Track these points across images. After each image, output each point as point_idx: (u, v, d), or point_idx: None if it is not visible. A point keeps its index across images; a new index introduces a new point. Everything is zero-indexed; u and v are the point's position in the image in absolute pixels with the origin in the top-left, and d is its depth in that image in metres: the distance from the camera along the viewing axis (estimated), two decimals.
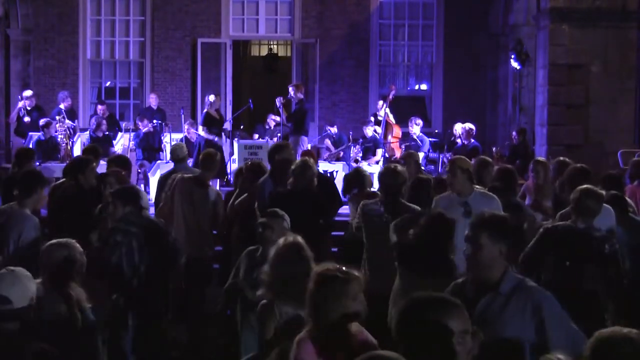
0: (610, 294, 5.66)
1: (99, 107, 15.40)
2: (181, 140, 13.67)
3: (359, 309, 3.65)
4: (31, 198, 6.20)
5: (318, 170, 8.27)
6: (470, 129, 13.49)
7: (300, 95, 13.27)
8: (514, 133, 14.51)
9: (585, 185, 5.89)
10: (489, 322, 3.68)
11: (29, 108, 14.73)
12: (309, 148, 13.67)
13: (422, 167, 10.68)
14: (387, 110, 14.26)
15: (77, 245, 4.75)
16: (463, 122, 14.20)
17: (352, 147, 14.11)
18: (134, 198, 6.22)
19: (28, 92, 14.97)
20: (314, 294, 3.64)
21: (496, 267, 3.82)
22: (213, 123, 13.44)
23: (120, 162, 8.32)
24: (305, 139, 13.17)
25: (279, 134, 13.93)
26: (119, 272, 5.98)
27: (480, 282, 3.84)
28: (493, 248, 3.82)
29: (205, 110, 13.86)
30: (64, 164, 9.77)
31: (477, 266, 3.83)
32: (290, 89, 13.31)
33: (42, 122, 13.83)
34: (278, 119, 14.36)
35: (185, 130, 14.36)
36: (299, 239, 4.49)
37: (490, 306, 3.76)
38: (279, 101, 13.41)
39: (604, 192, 5.91)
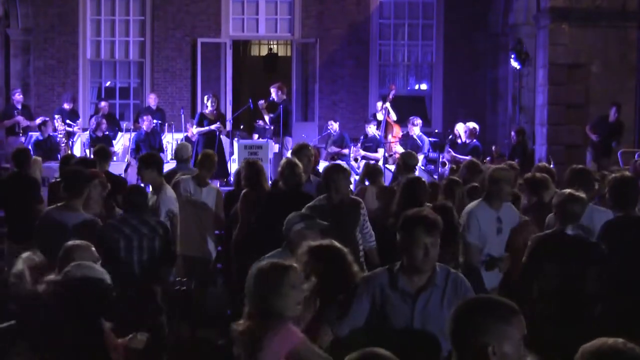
0: (602, 295, 5.63)
1: (102, 103, 15.44)
2: (182, 139, 13.69)
3: (300, 296, 3.72)
4: (80, 198, 6.24)
5: (317, 170, 8.30)
6: (474, 129, 13.49)
7: (283, 96, 13.25)
8: (512, 133, 14.53)
9: (568, 190, 5.86)
10: (433, 316, 3.91)
11: (19, 107, 14.75)
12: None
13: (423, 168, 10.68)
14: (389, 106, 14.25)
15: (93, 247, 4.82)
16: (464, 122, 14.22)
17: (352, 147, 14.12)
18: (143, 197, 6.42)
19: (18, 94, 14.97)
20: (253, 288, 3.71)
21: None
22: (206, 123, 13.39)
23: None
24: (289, 139, 13.17)
25: (268, 134, 13.95)
26: (125, 265, 6.05)
27: (418, 276, 3.99)
28: (438, 245, 4.02)
29: (201, 111, 13.85)
30: None
31: (430, 264, 3.99)
32: (273, 90, 13.26)
33: (38, 121, 13.80)
34: (261, 122, 14.28)
35: (190, 129, 14.39)
36: (335, 243, 4.43)
37: (430, 300, 3.96)
38: (260, 104, 13.39)
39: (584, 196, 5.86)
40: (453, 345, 2.89)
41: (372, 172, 8.55)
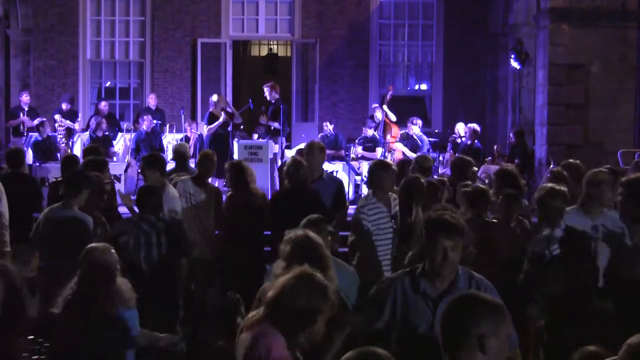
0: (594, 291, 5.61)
1: (102, 103, 15.46)
2: (182, 139, 13.67)
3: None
4: (77, 198, 6.40)
5: (325, 171, 8.26)
6: (476, 130, 13.47)
7: (276, 95, 13.19)
8: (510, 134, 14.51)
9: (549, 185, 5.82)
10: None
11: (26, 108, 14.80)
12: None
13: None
14: (386, 108, 14.22)
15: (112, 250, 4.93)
16: (465, 122, 14.21)
17: (351, 147, 14.13)
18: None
19: (25, 96, 15.05)
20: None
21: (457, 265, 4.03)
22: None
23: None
24: (283, 139, 13.13)
25: (260, 132, 13.93)
26: (136, 265, 6.12)
27: (439, 280, 3.96)
28: (460, 249, 4.01)
29: (209, 110, 13.70)
30: None
31: (449, 267, 3.95)
32: (266, 89, 13.19)
33: (36, 122, 13.80)
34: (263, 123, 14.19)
35: (188, 129, 14.36)
36: (311, 233, 4.54)
37: None
38: (262, 121, 13.31)
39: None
40: (446, 339, 2.93)
41: None
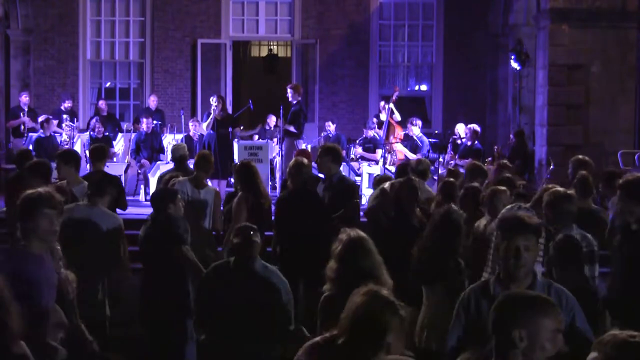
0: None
1: (100, 102, 15.46)
2: (182, 140, 13.65)
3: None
4: (103, 198, 6.63)
5: (338, 174, 8.23)
6: (476, 130, 13.46)
7: (298, 97, 13.11)
8: (511, 135, 14.49)
9: (558, 189, 5.79)
10: None
11: (26, 109, 14.79)
12: (308, 148, 13.65)
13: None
14: (393, 107, 14.22)
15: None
16: (465, 123, 14.18)
17: (352, 147, 14.12)
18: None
19: (25, 96, 15.04)
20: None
21: (532, 268, 3.85)
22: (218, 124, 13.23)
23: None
24: (300, 141, 13.07)
25: (278, 135, 13.87)
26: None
27: (515, 284, 3.75)
28: (537, 251, 3.88)
29: (208, 112, 13.61)
30: None
31: (523, 269, 3.74)
32: (289, 90, 13.09)
33: (41, 119, 13.74)
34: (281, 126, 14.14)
35: (191, 127, 14.33)
36: (362, 234, 4.49)
37: None
38: (279, 127, 13.23)
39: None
40: (492, 334, 2.98)
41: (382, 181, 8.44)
